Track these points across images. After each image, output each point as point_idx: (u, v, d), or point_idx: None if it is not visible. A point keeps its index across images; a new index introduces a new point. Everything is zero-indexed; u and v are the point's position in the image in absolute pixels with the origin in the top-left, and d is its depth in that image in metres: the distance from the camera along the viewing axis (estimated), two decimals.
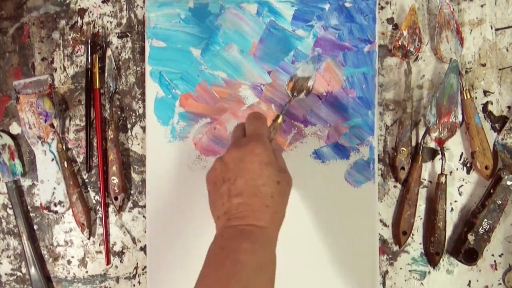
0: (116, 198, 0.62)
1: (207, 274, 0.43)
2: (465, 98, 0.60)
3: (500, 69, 0.63)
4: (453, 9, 0.63)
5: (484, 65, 0.63)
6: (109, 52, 0.64)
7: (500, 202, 0.58)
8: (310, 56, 0.60)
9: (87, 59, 0.64)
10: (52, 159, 0.63)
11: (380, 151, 0.62)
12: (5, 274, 0.64)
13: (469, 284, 0.61)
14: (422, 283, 0.61)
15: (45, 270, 0.64)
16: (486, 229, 0.59)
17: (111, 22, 0.65)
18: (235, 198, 0.44)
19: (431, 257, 0.60)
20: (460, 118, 0.59)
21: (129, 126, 0.64)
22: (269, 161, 0.45)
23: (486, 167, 0.60)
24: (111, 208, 0.63)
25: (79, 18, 0.65)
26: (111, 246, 0.63)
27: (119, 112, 0.64)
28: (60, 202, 0.63)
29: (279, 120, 0.54)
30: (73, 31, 0.65)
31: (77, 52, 0.65)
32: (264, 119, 0.51)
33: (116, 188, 0.62)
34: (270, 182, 0.45)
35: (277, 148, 0.50)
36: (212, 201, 0.47)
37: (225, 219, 0.45)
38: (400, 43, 0.62)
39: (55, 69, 0.65)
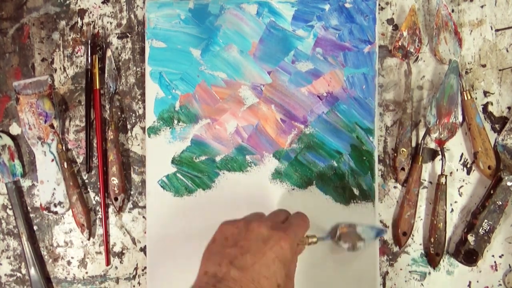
0: (116, 199, 0.62)
1: None
2: (466, 98, 0.60)
3: (500, 70, 0.63)
4: (452, 10, 0.63)
5: (484, 65, 0.63)
6: (109, 53, 0.64)
7: (500, 203, 0.58)
8: (377, 228, 0.58)
9: (87, 59, 0.64)
10: (52, 160, 0.63)
11: (380, 152, 0.62)
12: (5, 275, 0.64)
13: (469, 285, 0.61)
14: (422, 284, 0.61)
15: (45, 271, 0.63)
16: (486, 230, 0.59)
17: (111, 23, 0.65)
18: (234, 270, 0.42)
19: (431, 258, 0.60)
20: (460, 118, 0.59)
21: (129, 126, 0.64)
22: (285, 262, 0.44)
23: (489, 167, 0.60)
24: (111, 209, 0.63)
25: (79, 19, 0.65)
26: (111, 246, 0.63)
27: (119, 113, 0.64)
28: (60, 203, 0.63)
29: (313, 240, 0.51)
30: (73, 31, 0.65)
31: (77, 53, 0.65)
32: (307, 226, 0.50)
33: (116, 189, 0.62)
34: (272, 280, 0.42)
35: (296, 255, 0.48)
36: (211, 251, 0.45)
37: (211, 281, 0.42)
38: (400, 43, 0.62)
39: (55, 70, 0.65)
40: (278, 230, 0.44)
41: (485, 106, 0.62)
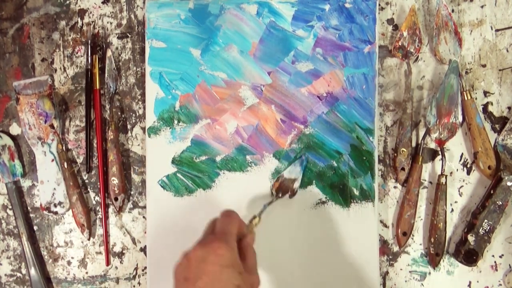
0: (116, 199, 0.62)
1: None
2: (466, 98, 0.60)
3: (500, 70, 0.63)
4: (452, 10, 0.63)
5: (484, 65, 0.63)
6: (109, 53, 0.64)
7: (500, 203, 0.58)
8: (297, 159, 0.59)
9: (87, 59, 0.64)
10: (52, 160, 0.63)
11: (381, 152, 0.62)
12: (5, 275, 0.64)
13: (469, 285, 0.61)
14: (422, 284, 0.61)
15: (45, 271, 0.63)
16: (487, 230, 0.59)
17: (111, 23, 0.65)
18: None
19: (432, 258, 0.60)
20: (460, 118, 0.59)
21: (129, 126, 0.64)
22: (231, 263, 0.44)
23: (489, 167, 0.60)
24: (111, 209, 0.63)
25: (79, 19, 0.65)
26: (111, 247, 0.63)
27: (119, 113, 0.64)
28: (60, 203, 0.63)
29: (256, 221, 0.52)
30: (73, 31, 0.65)
31: (77, 53, 0.65)
32: (234, 217, 0.49)
33: (116, 189, 0.62)
34: (229, 286, 0.43)
35: (249, 245, 0.49)
36: None
37: None
38: (400, 43, 0.62)
39: (55, 70, 0.65)
40: (209, 243, 0.45)
41: (485, 106, 0.62)
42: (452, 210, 0.62)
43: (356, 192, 0.60)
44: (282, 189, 0.58)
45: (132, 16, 0.65)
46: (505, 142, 0.60)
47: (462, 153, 0.62)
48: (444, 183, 0.59)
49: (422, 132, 0.62)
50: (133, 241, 0.63)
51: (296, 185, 0.58)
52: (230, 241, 0.46)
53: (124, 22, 0.65)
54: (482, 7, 0.63)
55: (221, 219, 0.49)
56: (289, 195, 0.58)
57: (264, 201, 0.56)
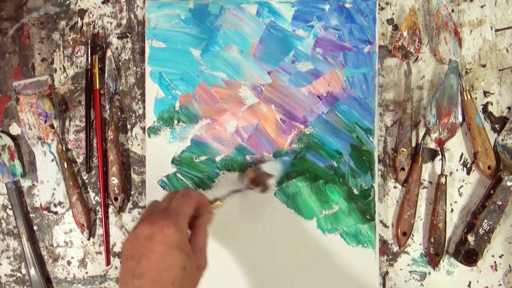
0: (116, 199, 0.62)
1: None
2: (466, 98, 0.60)
3: (500, 70, 0.63)
4: (452, 10, 0.63)
5: (484, 65, 0.63)
6: (109, 53, 0.64)
7: (500, 203, 0.58)
8: (283, 157, 0.58)
9: (87, 59, 0.64)
10: (52, 160, 0.63)
11: (380, 152, 0.62)
12: (5, 275, 0.64)
13: (469, 285, 0.61)
14: (422, 284, 0.61)
15: (45, 271, 0.63)
16: (486, 230, 0.59)
17: (111, 23, 0.65)
18: (137, 280, 0.42)
19: (431, 258, 0.60)
20: (460, 118, 0.59)
21: (129, 126, 0.64)
22: (178, 244, 0.43)
23: (489, 167, 0.60)
24: (111, 209, 0.63)
25: (79, 19, 0.65)
26: (111, 246, 0.63)
27: (119, 113, 0.64)
28: (60, 203, 0.63)
29: (217, 204, 0.51)
30: (73, 31, 0.65)
31: (77, 53, 0.65)
32: (192, 196, 0.49)
33: (116, 189, 0.62)
34: (174, 268, 0.43)
35: (202, 226, 0.48)
36: (120, 274, 0.45)
37: None
38: (400, 43, 0.62)
39: (55, 70, 0.65)
40: (158, 221, 0.44)
41: (485, 106, 0.62)
42: (452, 210, 0.62)
43: (356, 192, 0.60)
44: (255, 181, 0.56)
45: (132, 16, 0.65)
46: (505, 142, 0.60)
47: (462, 153, 0.62)
48: (444, 183, 0.59)
49: (422, 132, 0.62)
50: None
51: (271, 182, 0.56)
52: (181, 221, 0.45)
53: (124, 22, 0.65)
54: (482, 7, 0.63)
55: (178, 197, 0.48)
56: (260, 190, 0.56)
57: (234, 185, 0.54)
